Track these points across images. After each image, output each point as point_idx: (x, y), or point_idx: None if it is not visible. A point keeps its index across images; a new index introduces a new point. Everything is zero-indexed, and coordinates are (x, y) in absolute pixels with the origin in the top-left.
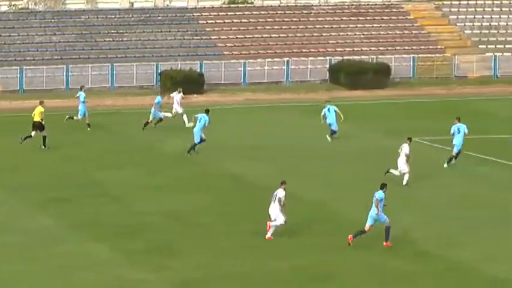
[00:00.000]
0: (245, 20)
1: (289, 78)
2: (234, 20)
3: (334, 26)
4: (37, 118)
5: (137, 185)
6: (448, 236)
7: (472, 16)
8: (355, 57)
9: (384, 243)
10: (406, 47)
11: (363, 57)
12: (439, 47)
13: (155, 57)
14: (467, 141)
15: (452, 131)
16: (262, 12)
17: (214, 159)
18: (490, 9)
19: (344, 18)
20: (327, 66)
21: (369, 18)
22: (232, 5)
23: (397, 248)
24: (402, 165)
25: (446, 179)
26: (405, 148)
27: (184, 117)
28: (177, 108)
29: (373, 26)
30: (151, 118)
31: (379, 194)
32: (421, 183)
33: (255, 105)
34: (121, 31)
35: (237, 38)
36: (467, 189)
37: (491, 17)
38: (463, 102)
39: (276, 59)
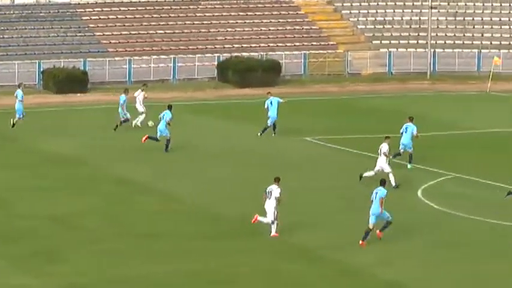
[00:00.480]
0: (130, 16)
1: (176, 76)
2: (119, 16)
3: (222, 21)
4: None
5: (21, 187)
6: (342, 239)
7: (366, 11)
8: (244, 54)
9: (378, 232)
10: (297, 43)
11: (252, 54)
12: (331, 43)
13: (37, 55)
14: (365, 141)
15: (401, 130)
16: (148, 8)
17: (100, 161)
18: (383, 3)
19: (232, 13)
20: (215, 63)
21: (258, 13)
22: (116, 0)
23: (291, 252)
24: (384, 165)
25: (339, 181)
26: (384, 147)
27: (143, 116)
28: (139, 107)
29: (262, 22)
30: (122, 119)
31: (382, 191)
32: (309, 184)
33: None
34: (1, 28)
35: (121, 34)
36: (359, 190)
37: (385, 12)
38: (356, 100)
39: (162, 56)
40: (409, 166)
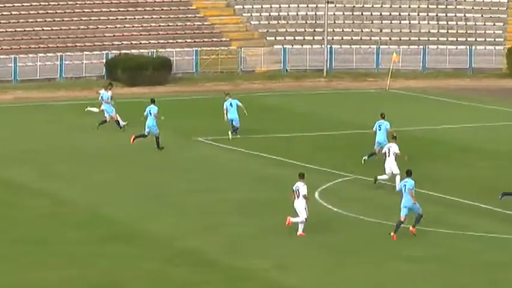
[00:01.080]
0: (15, 12)
1: (63, 74)
2: (4, 13)
3: (110, 17)
4: None
5: None
6: (235, 243)
7: (259, 6)
8: (133, 51)
9: (411, 228)
10: (189, 40)
11: (142, 51)
12: (224, 39)
13: None
14: (259, 141)
15: (374, 128)
16: (34, 4)
17: None
18: None
19: (121, 9)
20: (104, 61)
21: (148, 8)
22: None
23: (183, 256)
24: (394, 167)
25: (229, 182)
26: (394, 147)
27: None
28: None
29: (152, 18)
30: (114, 115)
31: (409, 182)
32: (200, 186)
33: (26, 104)
34: None
35: (6, 31)
36: (253, 193)
37: (279, 7)
38: (250, 98)
39: (49, 54)
40: (365, 158)
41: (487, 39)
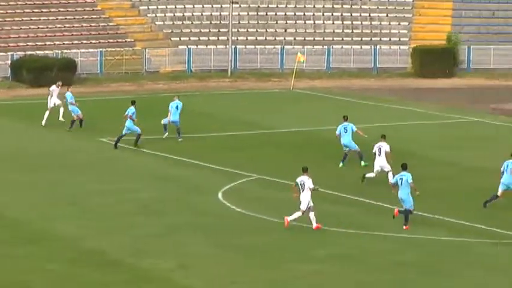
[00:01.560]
0: None
1: None
2: None
3: (15, 18)
4: None
5: None
6: (139, 244)
7: (164, 6)
8: (38, 52)
9: (404, 227)
10: (93, 41)
11: (47, 52)
12: (128, 40)
13: None
14: (162, 142)
15: (338, 131)
16: None
17: None
18: None
19: (26, 10)
20: (8, 62)
21: (53, 9)
22: None
23: (88, 256)
24: (384, 164)
25: (134, 183)
26: (385, 146)
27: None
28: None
29: (57, 19)
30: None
31: (407, 175)
32: (107, 186)
33: None
34: None
35: None
36: (158, 193)
37: (184, 7)
38: (155, 98)
39: None
40: (362, 163)
41: (392, 39)
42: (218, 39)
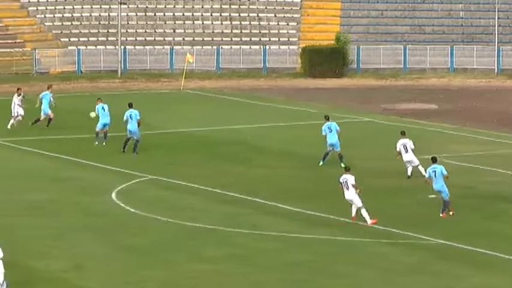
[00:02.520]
0: None
1: None
2: None
3: None
4: None
5: None
6: (32, 245)
7: (53, 7)
8: None
9: (442, 214)
10: None
11: None
12: (18, 40)
13: None
14: (57, 142)
15: (323, 132)
16: None
17: None
18: None
19: None
20: None
21: None
22: None
23: None
24: (414, 159)
25: (26, 184)
26: (409, 143)
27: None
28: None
29: None
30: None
31: (440, 167)
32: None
33: None
34: None
35: None
36: (50, 194)
37: (73, 8)
38: None
39: None
40: (342, 165)
41: (281, 39)
42: (107, 39)
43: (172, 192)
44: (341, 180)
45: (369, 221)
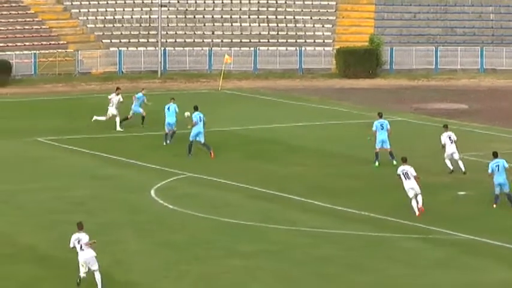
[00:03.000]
0: None
1: None
2: None
3: None
4: None
5: None
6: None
7: (95, 9)
8: None
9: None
10: (28, 43)
11: None
12: (61, 42)
13: None
14: (97, 141)
15: (375, 128)
16: None
17: None
18: (113, 2)
19: None
20: None
21: None
22: None
23: (22, 253)
24: (455, 153)
25: (68, 181)
26: (453, 135)
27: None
28: (112, 110)
29: None
30: (131, 113)
31: (502, 161)
32: (40, 184)
33: None
34: None
35: None
36: (92, 191)
37: (114, 10)
38: (88, 98)
39: None
40: (394, 162)
41: (316, 41)
42: (148, 41)
43: (210, 189)
44: (400, 171)
45: (419, 207)
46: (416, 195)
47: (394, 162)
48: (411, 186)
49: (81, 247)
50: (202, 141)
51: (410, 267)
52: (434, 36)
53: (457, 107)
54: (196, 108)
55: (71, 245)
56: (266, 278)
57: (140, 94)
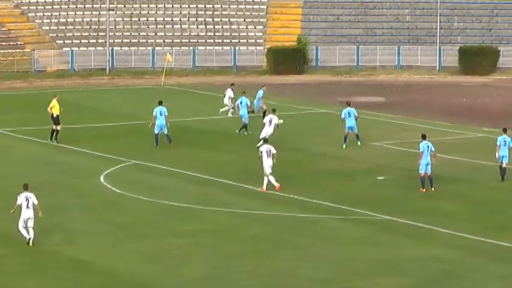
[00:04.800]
0: None
1: None
2: None
3: None
4: None
5: None
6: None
7: (50, 13)
8: None
9: None
10: None
11: None
12: (19, 42)
13: None
14: (43, 132)
15: (343, 115)
16: None
17: None
18: (66, 6)
19: None
20: None
21: None
22: None
23: None
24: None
25: (24, 168)
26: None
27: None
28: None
29: None
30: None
31: (509, 139)
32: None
33: None
34: None
35: None
36: (46, 177)
37: (67, 14)
38: (43, 94)
39: None
40: (359, 143)
41: (249, 41)
42: (97, 41)
43: (153, 175)
44: (263, 149)
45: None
46: (270, 173)
47: (359, 143)
48: (270, 164)
49: (27, 205)
50: (166, 132)
51: (333, 245)
52: (355, 36)
53: (376, 100)
54: (160, 103)
55: (18, 202)
56: (205, 254)
57: (243, 98)
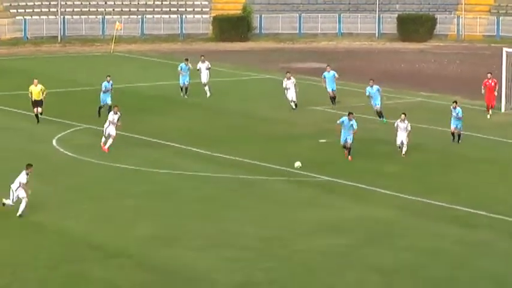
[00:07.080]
0: None
1: None
2: None
3: None
4: None
5: None
6: None
7: None
8: None
9: None
10: None
11: None
12: None
13: None
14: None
15: (367, 93)
16: None
17: None
18: None
19: None
20: None
21: None
22: None
23: None
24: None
25: None
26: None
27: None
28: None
29: None
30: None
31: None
32: None
33: None
34: None
35: None
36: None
37: None
38: None
39: None
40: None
41: (195, 9)
42: (49, 10)
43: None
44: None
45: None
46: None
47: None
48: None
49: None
50: (109, 103)
51: (279, 205)
52: (298, 5)
53: (318, 66)
54: (108, 76)
55: (24, 181)
56: (154, 215)
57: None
